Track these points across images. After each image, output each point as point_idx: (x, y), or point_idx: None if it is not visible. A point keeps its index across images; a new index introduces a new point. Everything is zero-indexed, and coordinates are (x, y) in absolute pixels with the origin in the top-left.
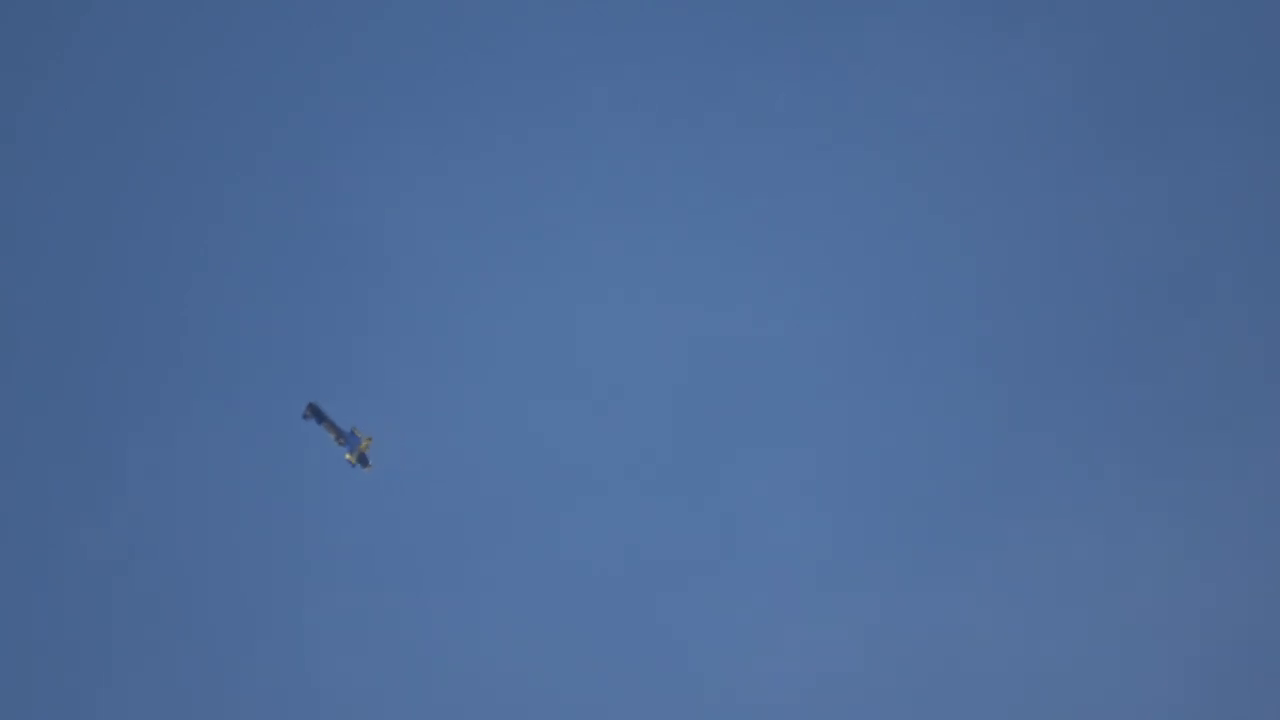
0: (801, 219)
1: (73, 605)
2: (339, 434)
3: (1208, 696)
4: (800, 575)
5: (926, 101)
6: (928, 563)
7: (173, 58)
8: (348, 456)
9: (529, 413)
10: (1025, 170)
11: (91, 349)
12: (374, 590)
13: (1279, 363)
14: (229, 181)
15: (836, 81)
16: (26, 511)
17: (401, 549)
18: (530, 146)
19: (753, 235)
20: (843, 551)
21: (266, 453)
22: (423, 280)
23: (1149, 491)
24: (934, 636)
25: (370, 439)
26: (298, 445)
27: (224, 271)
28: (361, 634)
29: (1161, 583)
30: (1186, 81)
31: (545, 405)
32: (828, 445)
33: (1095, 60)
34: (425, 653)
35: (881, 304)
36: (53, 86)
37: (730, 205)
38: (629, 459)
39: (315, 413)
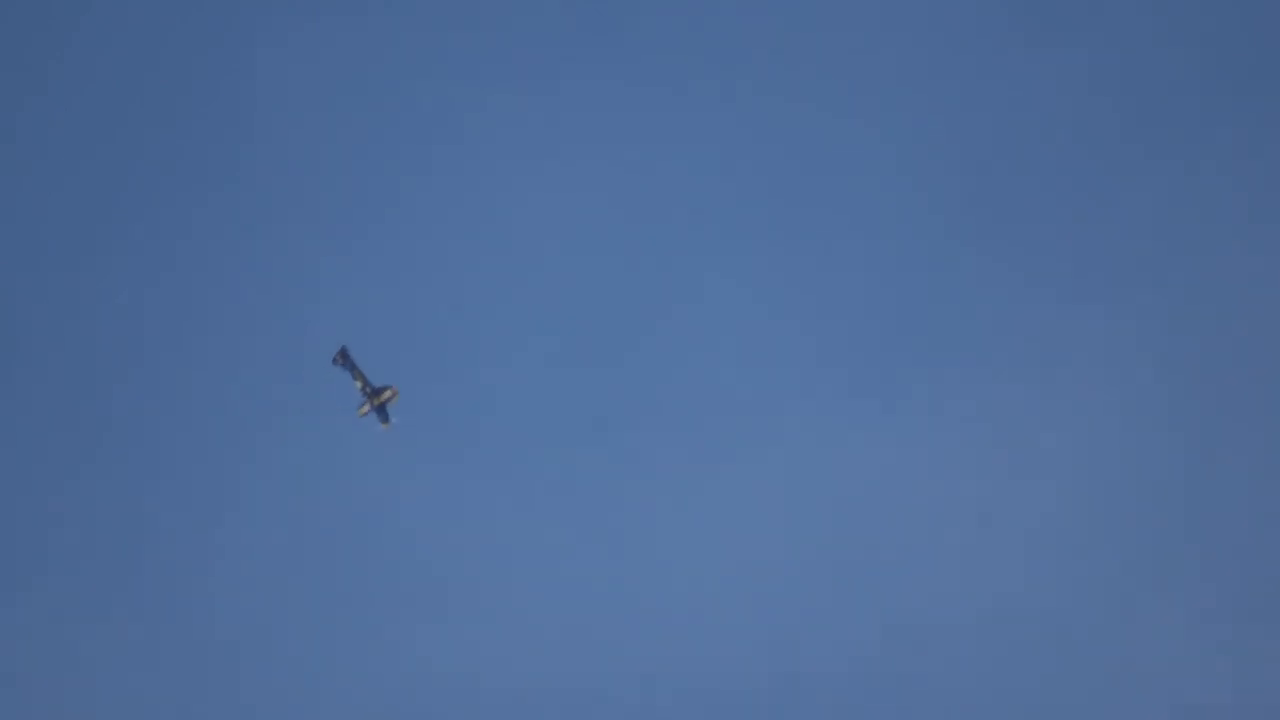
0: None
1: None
2: (365, 383)
3: (1125, 538)
4: (723, 423)
5: None
6: (852, 407)
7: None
8: (361, 410)
9: (458, 276)
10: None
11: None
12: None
13: (1212, 211)
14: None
15: None
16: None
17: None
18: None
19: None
20: (766, 397)
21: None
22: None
23: (1074, 335)
24: (859, 481)
25: (395, 390)
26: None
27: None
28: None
29: (1085, 427)
30: None
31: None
32: (750, 293)
33: None
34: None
35: (803, 145)
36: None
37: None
38: (550, 316)
39: (345, 358)
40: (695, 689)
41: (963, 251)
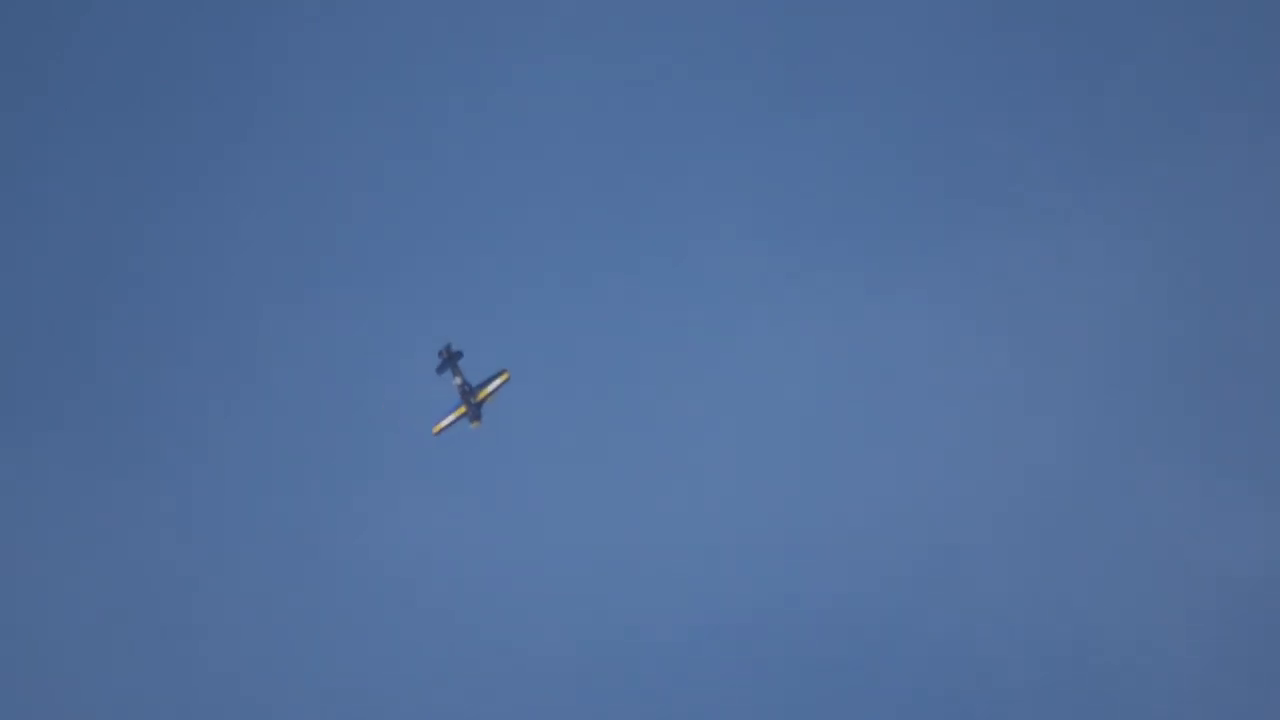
0: None
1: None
2: (465, 382)
3: (1139, 403)
4: (750, 281)
5: None
6: (880, 269)
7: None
8: (439, 426)
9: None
10: None
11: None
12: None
13: (1223, 81)
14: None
15: None
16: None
17: None
18: None
19: None
20: (793, 257)
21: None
22: None
23: (1107, 203)
24: (885, 344)
25: (507, 374)
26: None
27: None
28: None
29: (1117, 294)
30: None
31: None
32: (774, 153)
33: None
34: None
35: (815, 11)
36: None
37: None
38: (553, 191)
39: (450, 356)
40: (712, 554)
41: (980, 114)
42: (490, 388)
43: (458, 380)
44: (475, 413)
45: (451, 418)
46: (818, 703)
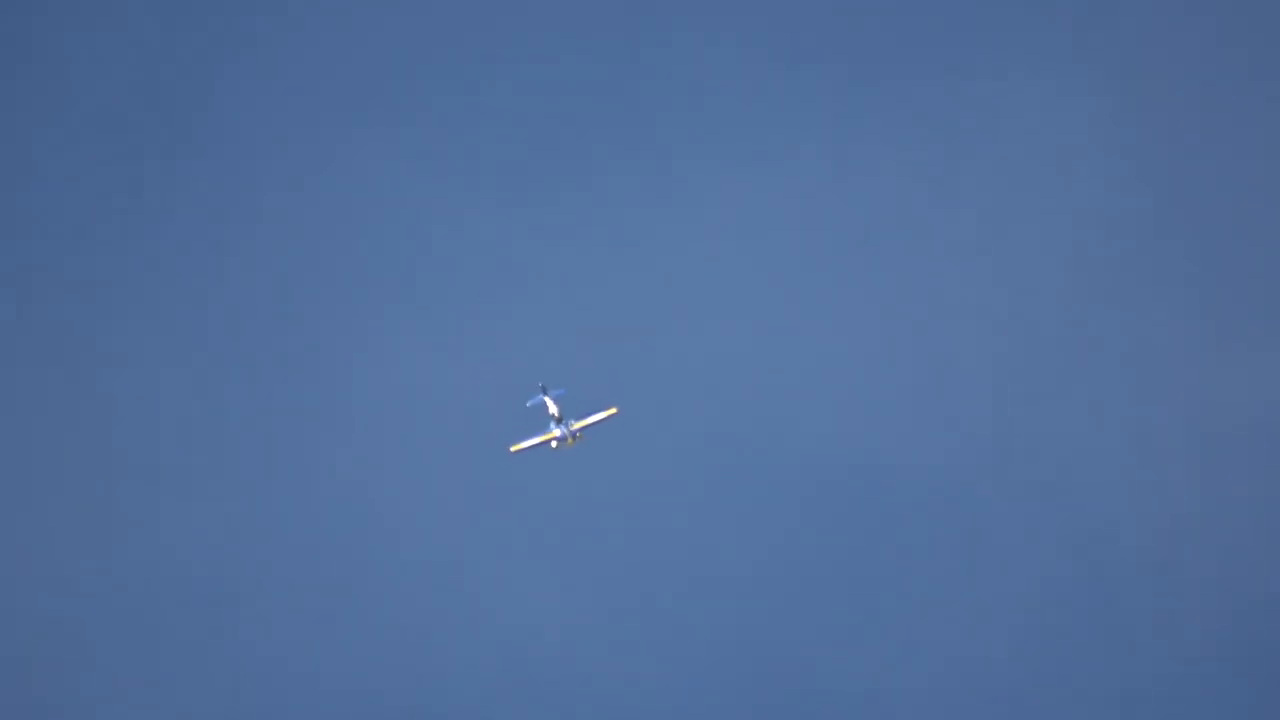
0: None
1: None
2: (561, 415)
3: (1151, 237)
4: (740, 122)
5: None
6: (877, 103)
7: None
8: (527, 443)
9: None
10: None
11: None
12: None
13: None
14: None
15: None
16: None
17: None
18: None
19: None
20: (784, 99)
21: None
22: None
23: (1103, 39)
24: (876, 180)
25: (615, 410)
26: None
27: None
28: None
29: (1116, 129)
30: None
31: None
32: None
33: None
34: None
35: None
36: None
37: None
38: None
39: (547, 392)
40: (708, 384)
41: None
42: (591, 420)
43: (555, 412)
44: (570, 436)
45: (535, 441)
46: (807, 527)
